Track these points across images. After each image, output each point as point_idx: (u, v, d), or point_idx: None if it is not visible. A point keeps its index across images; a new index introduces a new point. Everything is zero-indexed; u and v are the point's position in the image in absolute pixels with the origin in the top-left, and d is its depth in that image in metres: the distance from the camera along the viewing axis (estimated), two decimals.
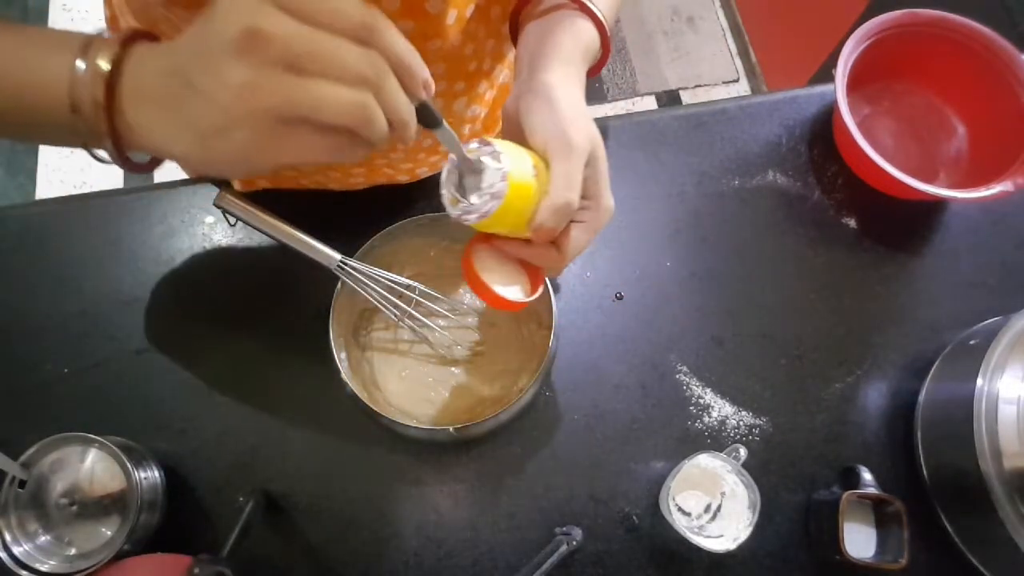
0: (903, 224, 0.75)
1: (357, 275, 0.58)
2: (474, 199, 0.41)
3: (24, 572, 0.54)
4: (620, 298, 0.71)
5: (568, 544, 0.58)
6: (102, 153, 0.38)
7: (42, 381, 0.66)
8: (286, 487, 0.63)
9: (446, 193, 0.42)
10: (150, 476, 0.59)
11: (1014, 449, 0.54)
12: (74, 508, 0.57)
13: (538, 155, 0.44)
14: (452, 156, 0.41)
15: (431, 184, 0.71)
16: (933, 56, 0.75)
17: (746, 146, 0.77)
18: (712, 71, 1.96)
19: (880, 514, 0.62)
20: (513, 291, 0.47)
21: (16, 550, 0.55)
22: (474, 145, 0.42)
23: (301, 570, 0.62)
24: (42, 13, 1.94)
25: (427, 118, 0.37)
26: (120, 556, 0.54)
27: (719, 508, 0.61)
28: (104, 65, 0.35)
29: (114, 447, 0.57)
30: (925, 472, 0.64)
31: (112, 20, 0.65)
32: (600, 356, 0.68)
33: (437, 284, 0.63)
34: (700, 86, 1.94)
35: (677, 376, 0.68)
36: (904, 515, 0.59)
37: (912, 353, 0.70)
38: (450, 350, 0.65)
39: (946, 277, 0.73)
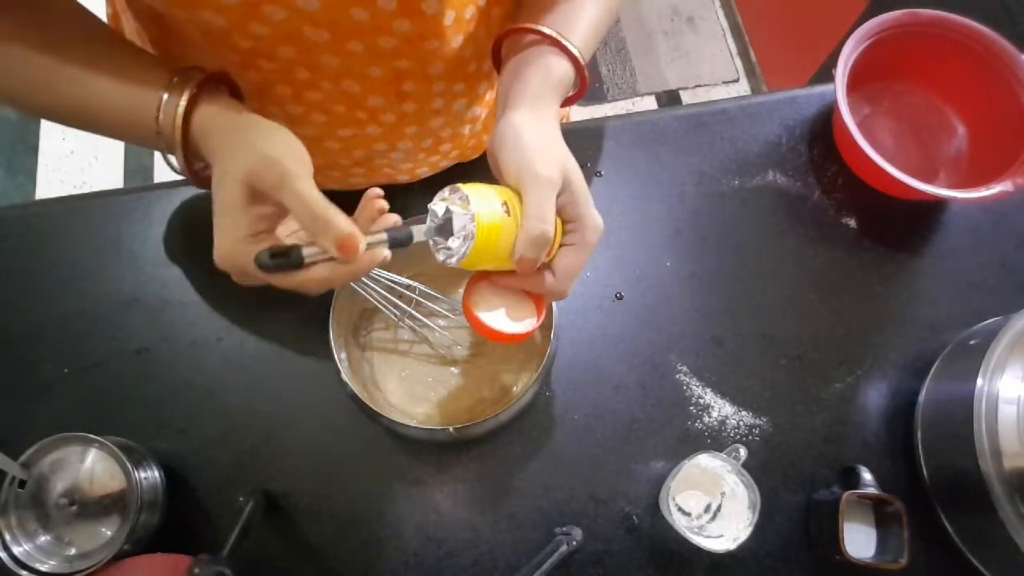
0: (903, 224, 0.75)
1: None
2: (452, 243, 0.44)
3: (24, 572, 0.54)
4: (620, 298, 0.71)
5: (568, 544, 0.58)
6: (174, 162, 0.48)
7: (42, 381, 0.66)
8: (286, 487, 0.63)
9: (429, 243, 0.46)
10: (150, 476, 0.59)
11: (1014, 449, 0.54)
12: (74, 508, 0.57)
13: (512, 191, 0.46)
14: (432, 211, 0.45)
15: (431, 184, 0.70)
16: (933, 56, 0.75)
17: (746, 146, 0.77)
18: (712, 71, 1.96)
19: (880, 514, 0.62)
20: (507, 322, 0.51)
21: (16, 550, 0.55)
22: (445, 193, 0.45)
23: (301, 570, 0.61)
24: None
25: (398, 244, 0.43)
26: (120, 556, 0.54)
27: (719, 508, 0.61)
28: (182, 105, 0.45)
29: (114, 447, 0.57)
30: (925, 472, 0.64)
31: (113, 18, 0.65)
32: (600, 356, 0.68)
33: (437, 284, 0.63)
34: (700, 86, 1.94)
35: (677, 376, 0.68)
36: (904, 515, 0.59)
37: (912, 353, 0.70)
38: (450, 350, 0.65)
39: (946, 277, 0.73)
